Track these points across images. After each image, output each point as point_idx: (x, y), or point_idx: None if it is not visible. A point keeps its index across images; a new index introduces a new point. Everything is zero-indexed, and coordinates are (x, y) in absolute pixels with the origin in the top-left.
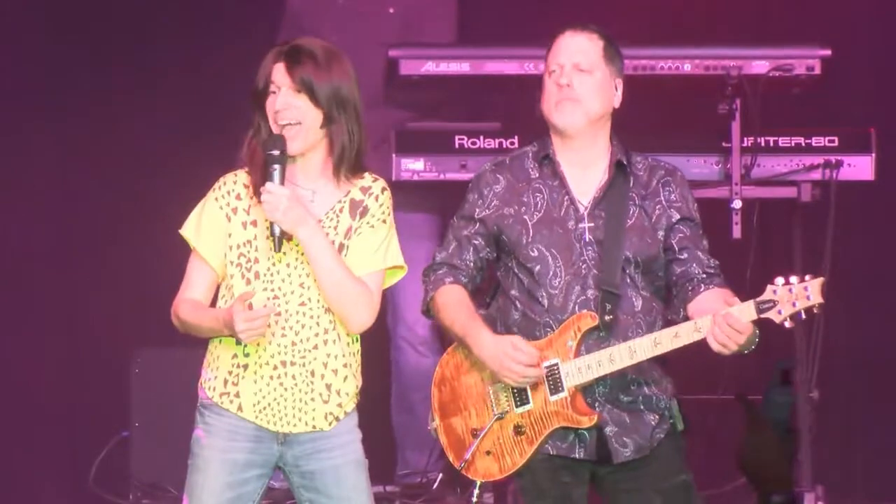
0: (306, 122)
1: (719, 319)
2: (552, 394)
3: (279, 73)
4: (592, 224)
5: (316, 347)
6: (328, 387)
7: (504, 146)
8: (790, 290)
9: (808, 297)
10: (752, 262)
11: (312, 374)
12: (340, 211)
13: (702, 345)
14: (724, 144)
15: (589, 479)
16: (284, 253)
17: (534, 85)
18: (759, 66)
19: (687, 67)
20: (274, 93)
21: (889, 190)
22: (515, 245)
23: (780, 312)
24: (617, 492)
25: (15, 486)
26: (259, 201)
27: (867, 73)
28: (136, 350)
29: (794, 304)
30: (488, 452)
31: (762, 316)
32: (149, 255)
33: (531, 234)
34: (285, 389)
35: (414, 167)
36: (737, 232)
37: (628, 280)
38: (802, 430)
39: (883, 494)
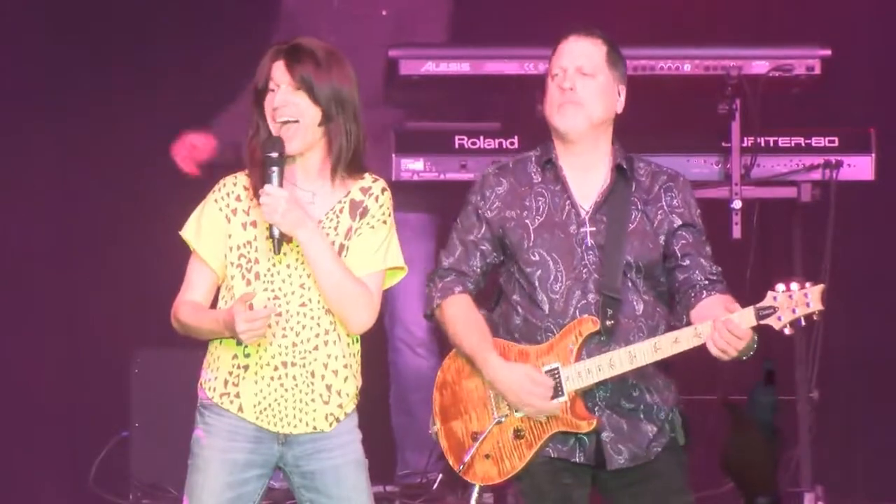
0: (305, 119)
1: (719, 325)
2: (552, 398)
3: (279, 70)
4: (594, 228)
5: (316, 348)
6: (328, 387)
7: (504, 146)
8: (790, 297)
9: (807, 304)
10: (752, 263)
11: (313, 374)
12: (340, 211)
13: (701, 346)
14: (723, 144)
15: (591, 483)
16: (285, 254)
17: (533, 85)
18: (759, 66)
19: (687, 67)
20: (273, 90)
21: (889, 190)
22: (517, 249)
23: (779, 319)
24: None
25: (15, 486)
26: (259, 203)
27: (867, 73)
28: (136, 350)
29: (793, 311)
30: (487, 456)
31: (762, 322)
32: (149, 255)
33: (532, 239)
34: (286, 390)
35: (414, 167)
36: (737, 232)
37: (630, 284)
38: (802, 429)
39: (883, 494)
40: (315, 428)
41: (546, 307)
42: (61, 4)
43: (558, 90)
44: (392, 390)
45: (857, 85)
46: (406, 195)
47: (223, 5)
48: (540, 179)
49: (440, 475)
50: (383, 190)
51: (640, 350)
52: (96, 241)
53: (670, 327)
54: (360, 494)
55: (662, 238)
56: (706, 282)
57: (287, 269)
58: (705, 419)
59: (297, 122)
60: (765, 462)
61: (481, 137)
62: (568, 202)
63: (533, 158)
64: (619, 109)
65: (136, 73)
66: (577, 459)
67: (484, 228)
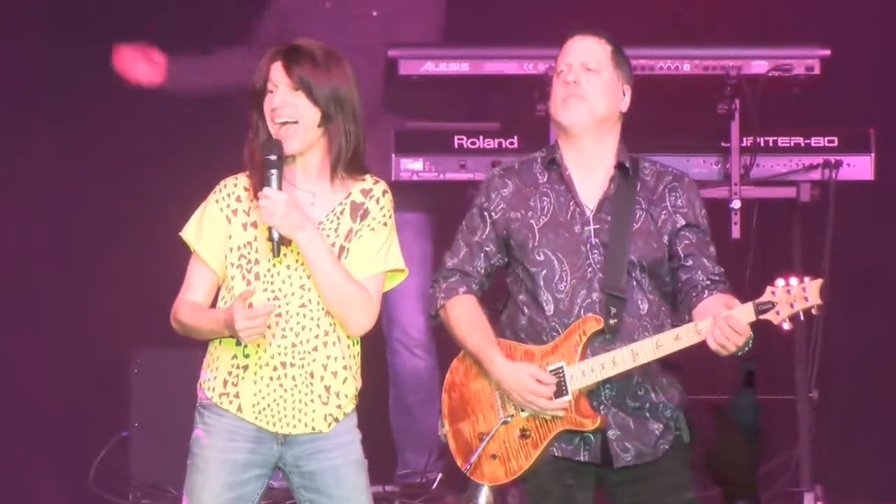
0: (304, 120)
1: (720, 321)
2: (556, 397)
3: (277, 71)
4: (598, 227)
5: (316, 349)
6: (327, 388)
7: (503, 146)
8: (789, 292)
9: (806, 299)
10: (752, 262)
11: (312, 375)
12: (341, 213)
13: (702, 346)
14: (723, 144)
15: (595, 484)
16: (285, 255)
17: (533, 85)
18: (759, 66)
19: (686, 67)
20: (272, 91)
21: (889, 190)
22: (522, 249)
23: (778, 314)
24: (625, 503)
25: (15, 486)
26: (258, 204)
27: (867, 73)
28: (136, 350)
29: (792, 306)
30: (494, 456)
31: (761, 317)
32: (149, 255)
33: (537, 239)
34: (285, 391)
35: (413, 167)
36: (736, 232)
37: (634, 283)
38: (802, 429)
39: (883, 494)
40: (314, 429)
41: (551, 307)
42: (61, 4)
43: (563, 85)
44: (391, 391)
45: (856, 85)
46: (401, 194)
47: (223, 5)
48: (545, 180)
49: (440, 475)
50: (384, 192)
51: (643, 347)
52: (96, 241)
53: (675, 327)
54: (359, 494)
55: (666, 238)
56: (708, 282)
57: (287, 270)
58: (703, 419)
59: (295, 122)
60: (746, 464)
61: (481, 137)
62: (572, 201)
63: (538, 159)
64: (624, 108)
65: None
66: (583, 458)
67: (489, 229)
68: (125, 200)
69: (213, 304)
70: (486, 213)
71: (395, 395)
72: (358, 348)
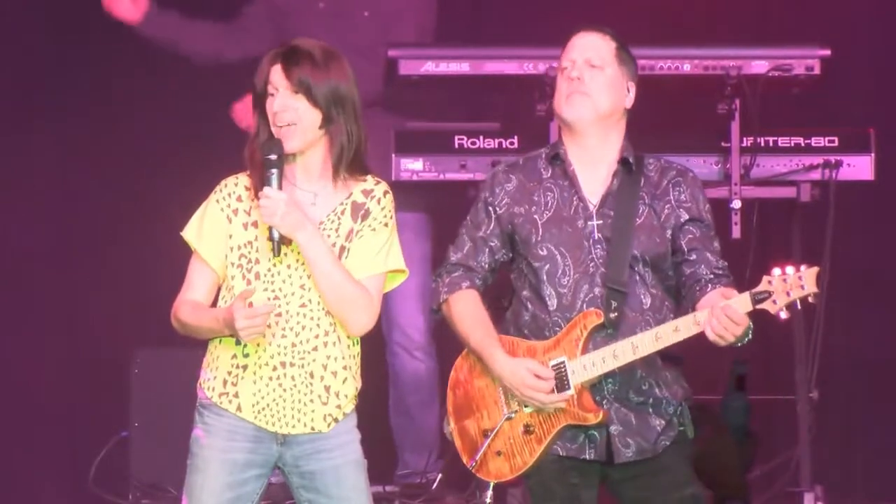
0: (305, 123)
1: (717, 311)
2: (559, 392)
3: (277, 74)
4: (601, 222)
5: (316, 349)
6: (327, 389)
7: (503, 146)
8: (785, 281)
9: (802, 287)
10: (752, 263)
11: (311, 375)
12: (342, 213)
13: (701, 346)
14: (723, 144)
15: (600, 483)
16: (285, 254)
17: (533, 85)
18: (759, 66)
19: (686, 67)
20: (272, 94)
21: (889, 190)
22: (526, 244)
23: (775, 303)
24: (629, 499)
25: (15, 486)
26: (259, 204)
27: (867, 73)
28: (136, 350)
29: (788, 294)
30: (499, 453)
31: (758, 307)
32: (149, 255)
33: (540, 233)
34: (284, 391)
35: (413, 167)
36: (736, 232)
37: (637, 278)
38: (802, 429)
39: (883, 494)
40: (313, 429)
41: (554, 301)
42: (61, 4)
43: (567, 81)
44: (391, 393)
45: (856, 85)
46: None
47: (224, 6)
48: (548, 175)
49: (439, 475)
50: (385, 193)
51: (642, 340)
52: (96, 241)
53: None
54: (359, 494)
55: (669, 232)
56: (711, 276)
57: (287, 270)
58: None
59: (296, 125)
60: (737, 466)
61: (481, 137)
62: (576, 196)
63: (543, 155)
64: (629, 105)
65: (136, 74)
66: (587, 456)
67: (493, 224)
68: (125, 200)
69: (214, 304)
70: (490, 208)
71: (396, 396)
72: (358, 348)
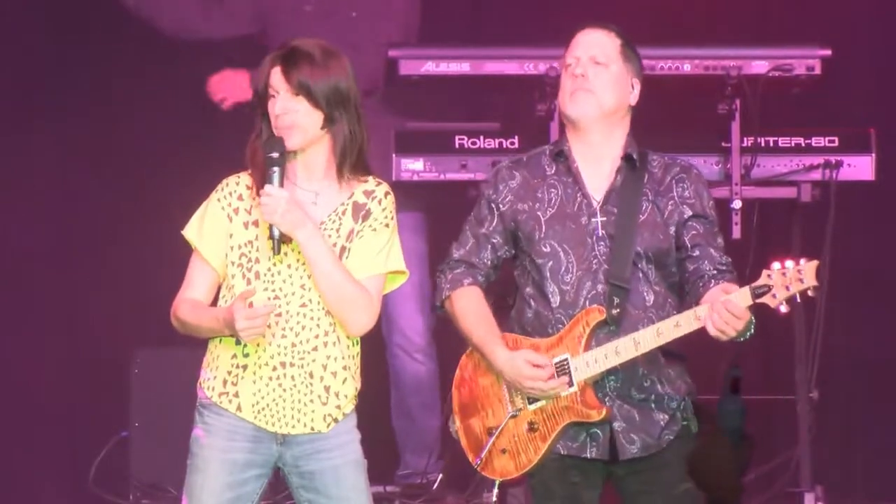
0: (306, 124)
1: (718, 306)
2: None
3: (276, 76)
4: (605, 218)
5: (316, 349)
6: (327, 389)
7: (504, 146)
8: (784, 274)
9: (801, 281)
10: (752, 263)
11: (311, 375)
12: (343, 213)
13: (702, 345)
14: (723, 144)
15: (603, 482)
16: (285, 254)
17: (533, 85)
18: (759, 66)
19: (687, 67)
20: (273, 96)
21: (889, 190)
22: (529, 241)
23: (774, 296)
24: (632, 493)
25: (15, 486)
26: (260, 201)
27: (867, 73)
28: (136, 350)
29: (787, 288)
30: (504, 451)
31: (758, 301)
32: (149, 255)
33: (544, 230)
34: (284, 391)
35: (413, 167)
36: (736, 232)
37: (640, 275)
38: (802, 429)
39: (883, 494)
40: (313, 429)
41: (557, 298)
42: (61, 4)
43: (571, 78)
44: (392, 394)
45: (857, 85)
46: (404, 195)
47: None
48: (552, 172)
49: (440, 476)
50: (386, 194)
51: (644, 336)
52: (96, 241)
53: None
54: (359, 495)
55: (673, 229)
56: (715, 272)
57: (288, 270)
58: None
59: (298, 127)
60: (732, 470)
61: (481, 137)
62: (579, 193)
63: (547, 151)
64: (633, 102)
65: (136, 74)
66: (590, 455)
67: (496, 221)
68: (125, 200)
69: (214, 303)
70: (493, 205)
71: (397, 397)
72: (358, 349)
